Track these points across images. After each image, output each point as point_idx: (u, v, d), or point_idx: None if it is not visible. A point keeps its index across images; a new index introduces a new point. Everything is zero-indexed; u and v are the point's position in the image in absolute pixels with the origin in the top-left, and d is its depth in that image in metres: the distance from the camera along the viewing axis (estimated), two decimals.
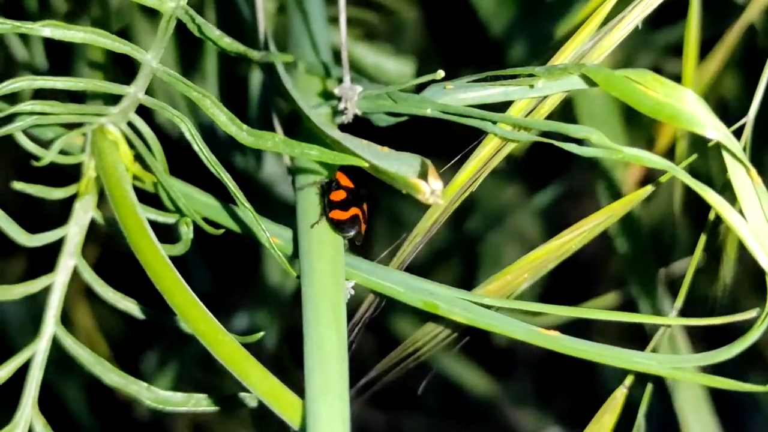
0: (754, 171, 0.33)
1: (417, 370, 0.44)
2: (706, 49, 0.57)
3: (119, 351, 0.78)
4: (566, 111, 0.56)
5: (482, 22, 0.68)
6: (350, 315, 0.38)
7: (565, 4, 0.60)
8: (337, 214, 0.39)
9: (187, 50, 0.58)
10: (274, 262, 0.71)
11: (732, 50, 0.57)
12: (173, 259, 0.38)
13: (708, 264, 0.43)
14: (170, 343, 0.78)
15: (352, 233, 0.39)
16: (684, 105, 0.33)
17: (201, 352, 0.77)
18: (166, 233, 0.39)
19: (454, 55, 0.76)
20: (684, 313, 0.40)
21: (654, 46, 0.70)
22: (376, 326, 0.42)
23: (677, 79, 0.49)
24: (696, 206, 0.35)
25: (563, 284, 0.66)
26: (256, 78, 0.59)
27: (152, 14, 0.59)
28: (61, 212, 0.43)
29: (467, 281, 0.78)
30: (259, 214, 0.37)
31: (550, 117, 0.38)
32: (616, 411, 0.39)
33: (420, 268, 0.41)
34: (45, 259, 0.43)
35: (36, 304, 0.41)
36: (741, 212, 0.34)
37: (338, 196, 0.40)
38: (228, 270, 0.78)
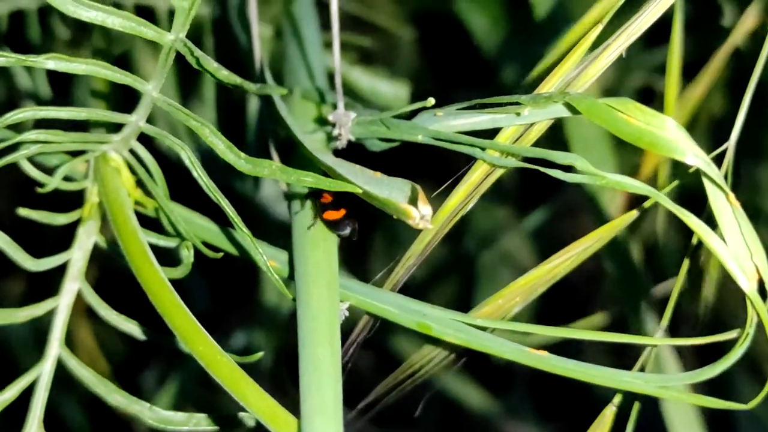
0: (732, 196, 0.34)
1: (415, 388, 0.44)
2: (695, 70, 0.58)
3: (119, 369, 0.79)
4: (556, 133, 0.57)
5: (476, 44, 0.70)
6: (345, 336, 0.38)
7: (556, 27, 0.61)
8: (331, 215, 0.40)
9: (186, 76, 0.59)
10: (271, 283, 0.72)
11: (719, 72, 0.58)
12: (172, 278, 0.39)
13: (693, 283, 0.44)
14: (169, 361, 0.79)
15: (347, 231, 0.41)
16: (664, 132, 0.34)
17: (199, 371, 0.78)
18: (164, 254, 0.40)
19: (449, 76, 0.77)
20: (673, 329, 0.41)
21: (645, 65, 0.71)
22: (375, 345, 0.43)
23: None
24: (683, 225, 0.36)
25: (555, 304, 0.67)
26: (253, 103, 0.60)
27: (152, 41, 0.60)
28: (57, 233, 0.44)
29: (462, 301, 0.79)
30: (256, 236, 0.38)
31: (537, 142, 0.39)
32: (606, 429, 0.40)
33: (416, 288, 0.42)
34: (44, 279, 0.44)
35: (38, 322, 0.41)
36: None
37: (327, 198, 0.41)
38: (225, 290, 0.79)
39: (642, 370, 0.40)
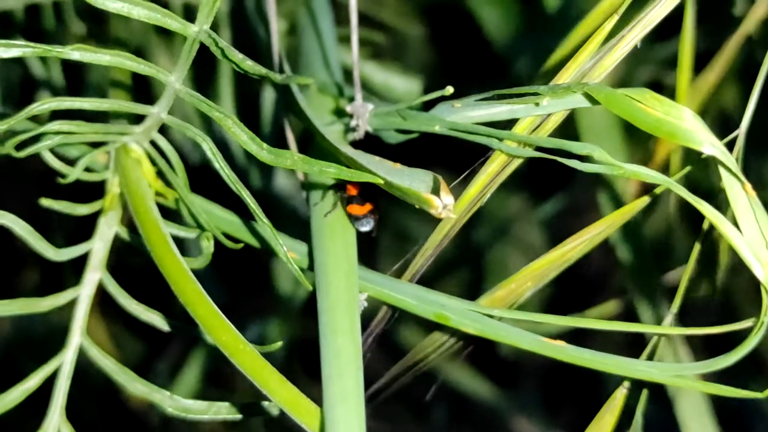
0: (748, 185, 0.35)
1: (423, 381, 0.45)
2: (706, 59, 0.58)
3: (129, 363, 0.79)
4: (569, 124, 0.57)
5: (488, 39, 0.70)
6: (364, 326, 0.39)
7: (567, 20, 0.62)
8: (355, 209, 0.41)
9: (202, 68, 0.59)
10: (285, 274, 0.72)
11: (731, 61, 0.58)
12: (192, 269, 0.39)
13: (706, 270, 0.45)
14: (180, 355, 0.79)
15: (367, 228, 0.41)
16: (681, 122, 0.35)
17: (210, 365, 0.78)
18: (180, 246, 0.41)
19: (461, 71, 0.77)
20: (685, 317, 0.42)
21: (655, 59, 0.71)
22: (382, 336, 0.43)
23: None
24: (695, 212, 0.36)
25: (569, 292, 0.68)
26: (268, 95, 0.60)
27: (167, 33, 0.60)
28: (66, 224, 0.44)
29: (474, 290, 0.79)
30: (273, 227, 0.39)
31: (554, 133, 0.39)
32: (617, 411, 0.40)
33: (428, 277, 0.42)
34: (57, 269, 0.44)
35: (53, 314, 0.42)
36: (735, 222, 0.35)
37: (353, 190, 0.41)
38: (239, 281, 0.79)
39: (651, 356, 0.41)
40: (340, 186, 0.42)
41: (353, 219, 0.41)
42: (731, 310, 0.69)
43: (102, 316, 0.77)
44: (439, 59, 0.78)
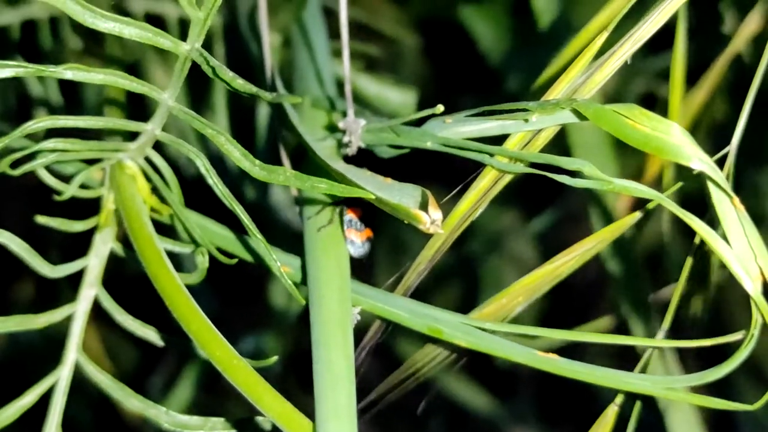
0: (736, 199, 0.35)
1: (420, 391, 0.45)
2: (697, 74, 0.58)
3: (125, 375, 0.79)
4: (560, 138, 0.57)
5: (482, 53, 0.70)
6: (357, 340, 0.39)
7: (560, 35, 0.62)
8: (354, 234, 0.41)
9: (197, 83, 0.60)
10: (279, 287, 0.72)
11: (720, 78, 0.58)
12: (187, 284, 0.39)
13: (698, 284, 0.45)
14: (176, 367, 0.79)
15: (360, 253, 0.41)
16: (669, 137, 0.35)
17: (206, 376, 0.78)
18: (174, 260, 0.41)
19: (454, 83, 0.78)
20: (677, 331, 0.42)
21: (648, 71, 0.72)
22: (378, 347, 0.43)
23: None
24: (687, 226, 0.36)
25: (563, 306, 0.68)
26: (263, 110, 0.60)
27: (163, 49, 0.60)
28: (63, 239, 0.44)
29: (468, 304, 0.79)
30: (267, 240, 0.39)
31: (545, 147, 0.40)
32: (608, 428, 0.41)
33: (422, 290, 0.42)
34: (51, 283, 0.45)
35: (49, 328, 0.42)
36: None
37: (354, 213, 0.41)
38: (233, 293, 0.79)
39: (644, 371, 0.41)
40: (340, 205, 0.42)
41: (350, 243, 0.41)
42: (727, 322, 0.69)
43: (97, 324, 0.77)
44: (434, 71, 0.78)
